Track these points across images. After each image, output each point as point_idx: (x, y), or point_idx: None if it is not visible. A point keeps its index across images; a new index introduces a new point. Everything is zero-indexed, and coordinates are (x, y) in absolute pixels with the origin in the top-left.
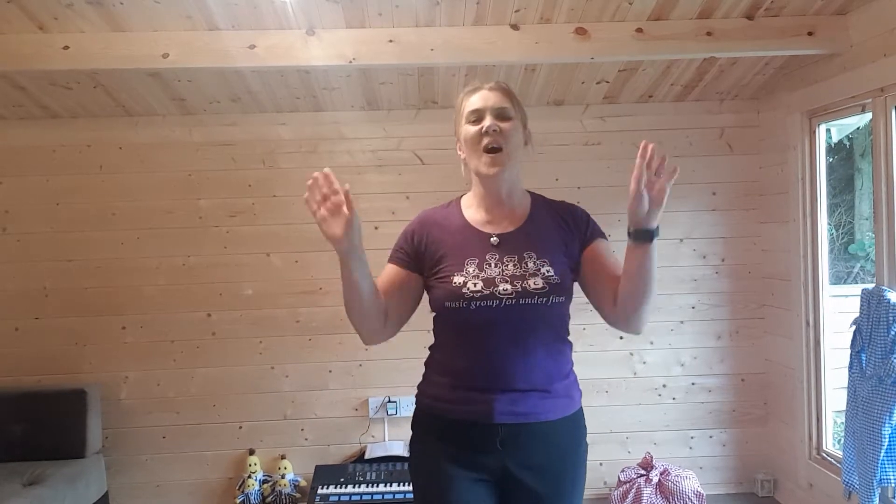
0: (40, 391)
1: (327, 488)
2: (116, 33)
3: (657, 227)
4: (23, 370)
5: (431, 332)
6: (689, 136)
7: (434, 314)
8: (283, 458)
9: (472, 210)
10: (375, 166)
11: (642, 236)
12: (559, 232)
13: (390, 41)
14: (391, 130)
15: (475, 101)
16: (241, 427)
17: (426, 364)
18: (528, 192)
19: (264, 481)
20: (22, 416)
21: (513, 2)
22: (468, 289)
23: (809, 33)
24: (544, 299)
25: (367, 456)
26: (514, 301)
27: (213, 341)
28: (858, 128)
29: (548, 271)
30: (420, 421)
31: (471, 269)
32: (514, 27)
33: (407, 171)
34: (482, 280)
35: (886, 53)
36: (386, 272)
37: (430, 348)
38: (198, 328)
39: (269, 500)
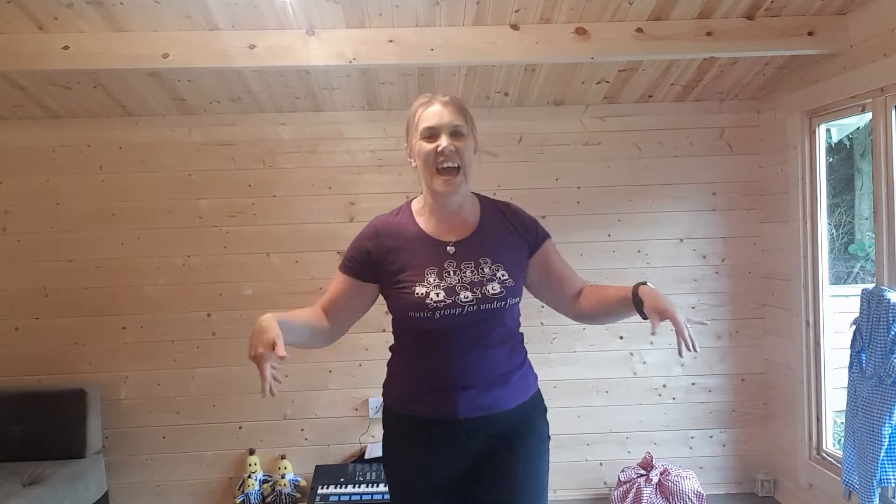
0: (40, 391)
1: (327, 488)
2: (116, 33)
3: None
4: (23, 370)
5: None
6: (689, 136)
7: (393, 318)
8: (283, 458)
9: (425, 219)
10: (375, 166)
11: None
12: (508, 236)
13: (390, 41)
14: (391, 130)
15: (430, 116)
16: (241, 427)
17: (389, 365)
18: (474, 194)
19: (264, 481)
20: (22, 416)
21: (513, 2)
22: (431, 299)
23: (809, 33)
24: (503, 303)
25: (367, 456)
26: (475, 307)
27: (213, 341)
28: (858, 128)
29: (503, 275)
30: (388, 420)
31: (431, 279)
32: (514, 27)
33: (407, 171)
34: (444, 289)
35: (886, 53)
36: (338, 283)
37: (391, 349)
38: (198, 328)
39: (269, 500)
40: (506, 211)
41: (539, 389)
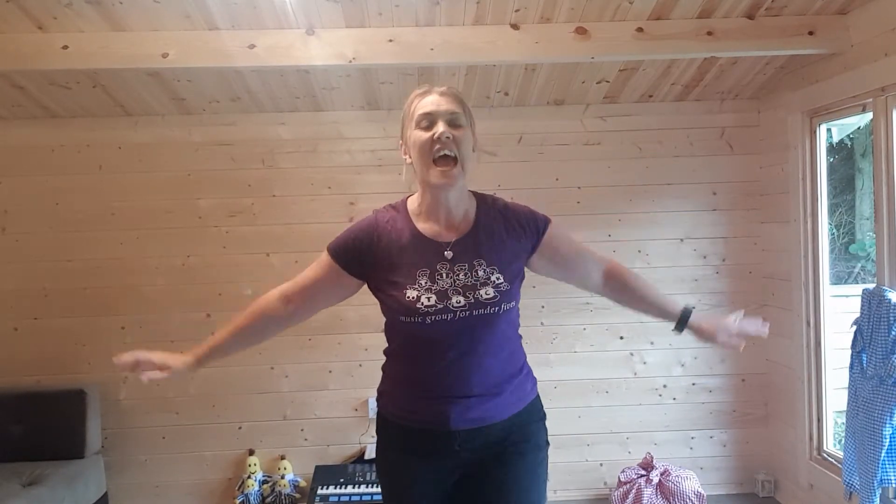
0: (40, 391)
1: (327, 488)
2: (116, 33)
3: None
4: (22, 370)
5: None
6: (690, 135)
7: (385, 322)
8: (282, 458)
9: (422, 219)
10: (375, 166)
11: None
12: (505, 237)
13: (390, 41)
14: (391, 130)
15: (426, 104)
16: (240, 427)
17: (383, 369)
18: (471, 192)
19: (264, 482)
20: (21, 417)
21: (513, 1)
22: (422, 304)
23: (810, 33)
24: (496, 308)
25: (366, 456)
26: (467, 313)
27: None
28: (859, 127)
29: (497, 279)
30: (381, 426)
31: (423, 282)
32: (514, 27)
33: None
34: (435, 293)
35: (887, 53)
36: (322, 269)
37: (385, 353)
38: (197, 328)
39: (268, 500)
40: (503, 210)
41: (538, 395)
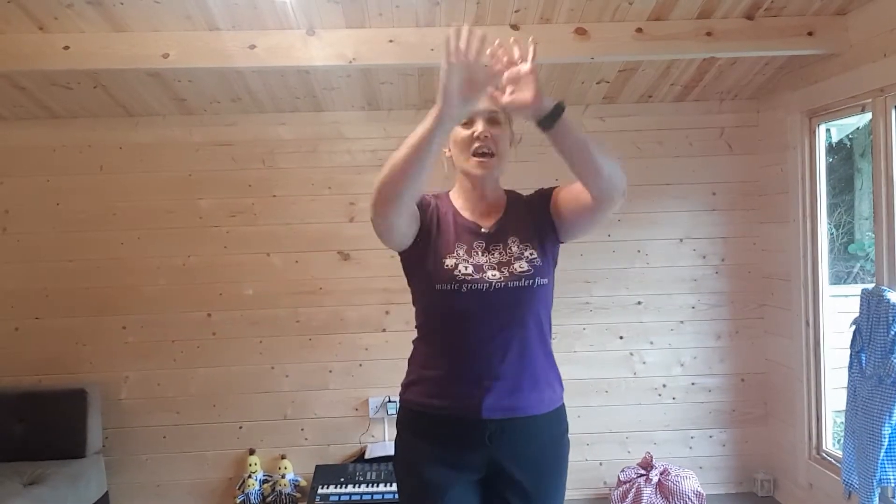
0: (40, 391)
1: (327, 488)
2: (116, 33)
3: (556, 103)
4: (23, 370)
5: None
6: (689, 136)
7: (418, 305)
8: (283, 457)
9: (460, 205)
10: (375, 166)
11: (547, 122)
12: (532, 218)
13: (390, 41)
14: (391, 130)
15: None
16: (241, 427)
17: (410, 360)
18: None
19: (264, 481)
20: (22, 416)
21: (513, 2)
22: (459, 271)
23: (809, 33)
24: (530, 281)
25: (367, 456)
26: (503, 284)
27: (213, 341)
28: (858, 128)
29: (531, 254)
30: (405, 420)
31: (461, 253)
32: (514, 27)
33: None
34: (472, 265)
35: (886, 53)
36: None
37: (414, 342)
38: (198, 328)
39: (269, 499)
40: (526, 200)
41: (564, 404)
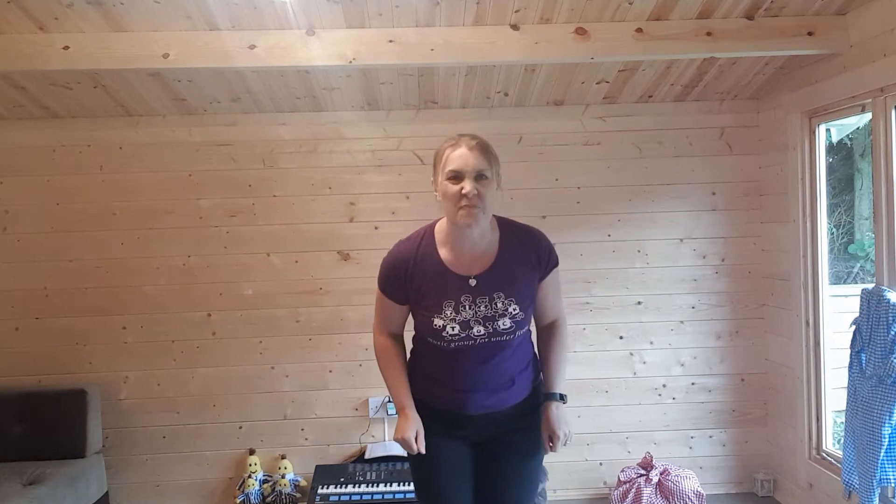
0: (40, 391)
1: (327, 488)
2: (116, 33)
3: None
4: (23, 370)
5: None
6: (689, 136)
7: (414, 322)
8: (283, 457)
9: (447, 250)
10: (375, 166)
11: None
12: (525, 266)
13: (390, 41)
14: (391, 130)
15: (455, 159)
16: (241, 427)
17: (409, 361)
18: (496, 218)
19: (264, 481)
20: (22, 416)
21: (513, 2)
22: (447, 333)
23: (809, 33)
24: (511, 336)
25: (367, 456)
26: (486, 340)
27: (213, 341)
28: (858, 128)
29: (514, 310)
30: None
31: (448, 312)
32: (514, 27)
33: (407, 171)
34: (458, 323)
35: (886, 53)
36: (385, 304)
37: (413, 340)
38: (198, 328)
39: (269, 499)
40: (524, 239)
41: (541, 379)
